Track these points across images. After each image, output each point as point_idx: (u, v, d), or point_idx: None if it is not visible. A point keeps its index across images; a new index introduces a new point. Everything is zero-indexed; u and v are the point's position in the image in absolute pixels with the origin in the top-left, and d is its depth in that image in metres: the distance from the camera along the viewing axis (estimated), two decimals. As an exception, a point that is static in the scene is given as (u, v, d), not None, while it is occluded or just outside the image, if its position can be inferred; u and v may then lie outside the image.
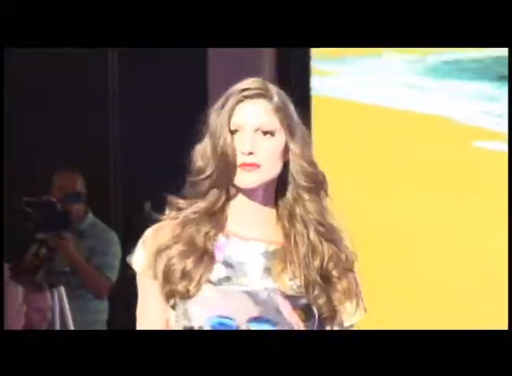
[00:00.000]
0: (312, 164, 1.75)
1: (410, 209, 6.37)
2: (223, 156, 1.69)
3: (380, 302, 6.61)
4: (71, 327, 5.38)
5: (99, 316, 5.71)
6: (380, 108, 6.52)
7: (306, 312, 1.72)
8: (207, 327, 1.71)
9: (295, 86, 6.38)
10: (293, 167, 1.74)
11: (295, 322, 1.72)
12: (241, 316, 1.70)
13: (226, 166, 1.69)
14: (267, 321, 1.71)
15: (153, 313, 1.81)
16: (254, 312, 1.70)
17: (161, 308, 1.78)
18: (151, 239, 1.75)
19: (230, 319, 1.70)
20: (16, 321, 5.02)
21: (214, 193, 1.73)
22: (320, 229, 1.74)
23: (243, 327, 1.71)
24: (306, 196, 1.74)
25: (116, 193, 6.23)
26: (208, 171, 1.71)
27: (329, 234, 1.75)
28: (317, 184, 1.75)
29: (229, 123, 1.70)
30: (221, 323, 1.71)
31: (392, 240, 6.37)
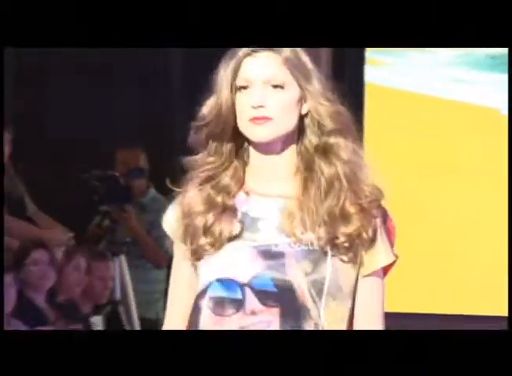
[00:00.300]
0: (334, 109, 1.70)
1: (456, 198, 6.39)
2: (221, 107, 1.68)
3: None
4: (131, 296, 5.58)
5: (157, 285, 5.89)
6: (429, 98, 6.67)
7: (312, 264, 1.68)
8: (210, 290, 1.70)
9: (350, 74, 6.50)
10: (315, 114, 1.70)
11: (300, 275, 1.67)
12: (246, 273, 1.68)
13: (224, 118, 1.68)
14: (270, 279, 1.68)
15: (183, 277, 1.80)
16: (260, 268, 1.68)
17: (190, 271, 1.77)
18: (177, 202, 1.75)
19: (232, 280, 1.69)
20: (75, 291, 5.24)
21: (215, 146, 1.71)
22: (343, 167, 1.69)
23: (246, 285, 1.68)
24: (331, 139, 1.70)
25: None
26: (208, 119, 1.69)
27: (352, 173, 1.69)
28: (342, 125, 1.70)
29: (236, 77, 1.68)
30: (223, 284, 1.70)
31: (434, 226, 6.47)
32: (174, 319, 1.86)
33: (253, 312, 1.70)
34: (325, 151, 1.70)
